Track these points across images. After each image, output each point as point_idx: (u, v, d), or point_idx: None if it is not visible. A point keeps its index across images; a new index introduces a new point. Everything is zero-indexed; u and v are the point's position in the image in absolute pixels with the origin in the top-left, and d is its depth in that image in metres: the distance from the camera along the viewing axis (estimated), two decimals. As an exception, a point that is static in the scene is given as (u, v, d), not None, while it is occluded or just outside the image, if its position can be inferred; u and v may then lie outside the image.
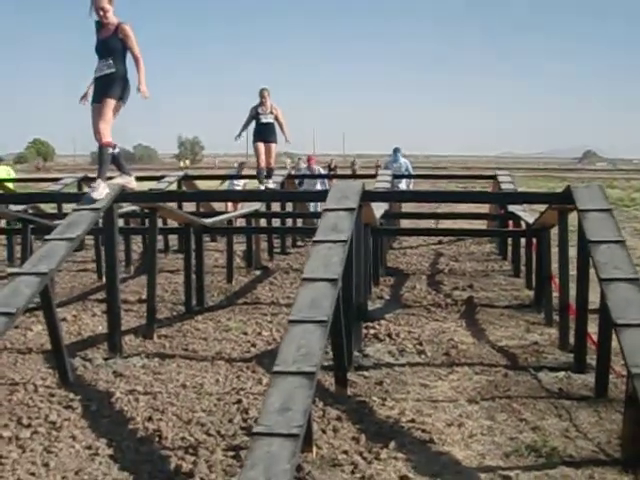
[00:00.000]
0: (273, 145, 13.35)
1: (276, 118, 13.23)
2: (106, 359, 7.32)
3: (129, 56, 7.53)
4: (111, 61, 7.45)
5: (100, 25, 7.56)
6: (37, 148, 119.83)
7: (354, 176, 27.14)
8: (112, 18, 7.50)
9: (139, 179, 20.78)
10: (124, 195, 7.79)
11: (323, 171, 19.18)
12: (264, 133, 13.22)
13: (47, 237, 6.77)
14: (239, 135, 13.85)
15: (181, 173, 16.19)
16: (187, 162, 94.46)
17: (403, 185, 17.31)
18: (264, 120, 13.11)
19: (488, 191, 15.61)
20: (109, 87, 7.46)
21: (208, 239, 15.66)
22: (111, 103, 7.45)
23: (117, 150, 7.66)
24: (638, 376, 4.51)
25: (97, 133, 7.50)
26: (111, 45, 7.48)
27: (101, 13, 7.44)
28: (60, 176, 16.76)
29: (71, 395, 6.14)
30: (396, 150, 17.99)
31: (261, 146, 13.30)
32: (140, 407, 5.86)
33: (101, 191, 7.42)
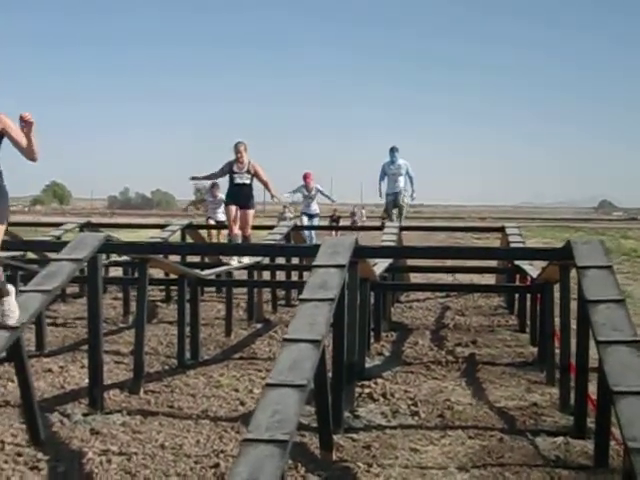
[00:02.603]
0: (250, 212, 12.05)
1: (256, 176, 11.91)
2: (85, 415, 6.92)
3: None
4: None
5: None
6: (54, 191, 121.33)
7: (358, 228, 26.76)
8: None
9: (142, 227, 20.89)
10: (108, 246, 7.56)
11: (322, 188, 17.82)
12: (238, 196, 11.93)
13: (22, 289, 6.50)
14: (195, 178, 12.60)
15: (185, 222, 15.97)
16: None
17: (405, 198, 16.41)
18: (239, 181, 11.82)
19: (489, 246, 15.51)
20: None
21: (213, 289, 15.33)
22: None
23: None
24: (636, 451, 4.10)
25: None
26: None
27: None
28: (62, 221, 16.59)
29: (39, 455, 5.79)
30: (393, 149, 16.29)
31: (233, 210, 12.00)
32: (111, 469, 5.52)
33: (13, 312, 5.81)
